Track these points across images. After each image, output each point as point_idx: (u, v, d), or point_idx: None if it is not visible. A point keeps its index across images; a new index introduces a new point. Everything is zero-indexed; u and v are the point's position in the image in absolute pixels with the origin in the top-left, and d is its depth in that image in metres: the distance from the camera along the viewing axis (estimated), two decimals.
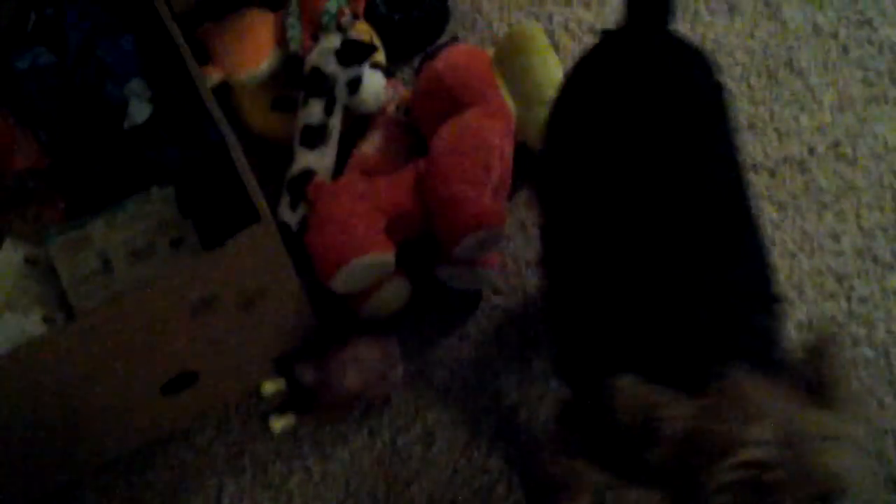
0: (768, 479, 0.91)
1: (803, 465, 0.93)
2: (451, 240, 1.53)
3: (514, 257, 1.68)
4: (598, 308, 1.14)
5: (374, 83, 1.71)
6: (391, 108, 1.75)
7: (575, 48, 1.84)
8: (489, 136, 1.59)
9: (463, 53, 1.70)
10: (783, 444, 0.94)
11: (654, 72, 1.24)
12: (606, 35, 1.31)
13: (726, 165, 1.21)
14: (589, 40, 1.84)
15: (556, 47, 1.83)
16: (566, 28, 1.87)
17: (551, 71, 1.65)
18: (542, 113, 1.55)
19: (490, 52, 1.72)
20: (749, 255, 1.17)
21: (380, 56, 1.79)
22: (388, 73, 1.78)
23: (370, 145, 1.72)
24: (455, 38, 1.80)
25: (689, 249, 1.13)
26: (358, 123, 1.74)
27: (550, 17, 1.89)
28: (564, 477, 1.12)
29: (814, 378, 1.01)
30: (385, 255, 1.54)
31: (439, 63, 1.67)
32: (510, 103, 1.65)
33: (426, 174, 1.58)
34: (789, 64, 1.82)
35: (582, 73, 1.31)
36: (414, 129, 1.73)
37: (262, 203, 1.31)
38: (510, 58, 1.67)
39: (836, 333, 1.03)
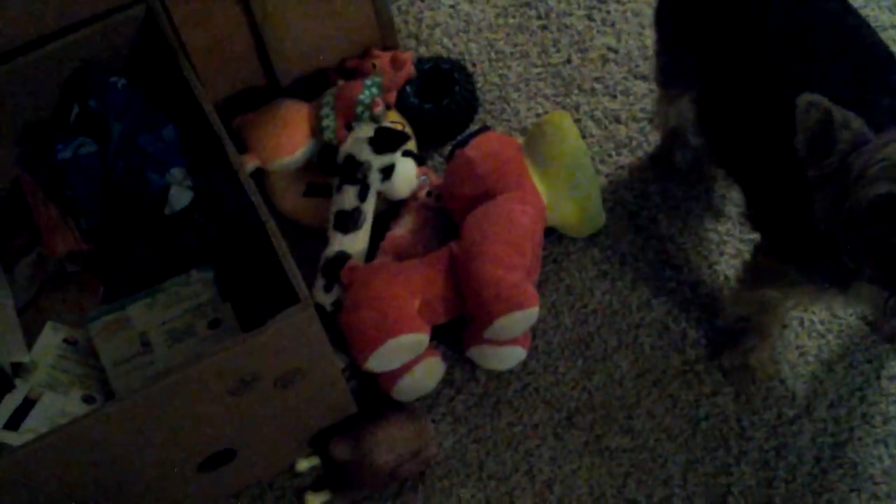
0: None
1: None
2: (484, 321, 1.68)
3: (545, 338, 1.81)
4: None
5: (406, 170, 1.87)
6: (423, 194, 1.91)
7: (601, 136, 2.01)
8: (521, 220, 1.75)
9: (494, 141, 1.87)
10: None
11: None
12: None
13: (843, 7, 1.46)
14: (615, 128, 2.01)
15: (582, 134, 1.99)
16: (592, 117, 2.04)
17: (580, 158, 1.82)
18: (572, 199, 1.73)
19: (519, 139, 1.89)
20: None
21: (411, 144, 1.96)
22: (420, 160, 1.94)
23: (402, 229, 1.88)
24: (485, 127, 1.97)
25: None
26: (391, 208, 1.90)
27: (577, 107, 2.06)
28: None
29: None
30: (418, 336, 1.68)
31: (471, 150, 1.85)
32: (541, 189, 1.81)
33: (459, 257, 1.74)
34: None
35: None
36: (444, 214, 1.89)
37: (301, 285, 1.43)
38: (540, 144, 1.83)
39: None
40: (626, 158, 1.99)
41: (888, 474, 1.64)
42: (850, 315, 1.76)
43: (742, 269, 1.67)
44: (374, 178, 1.80)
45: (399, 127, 1.90)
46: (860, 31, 1.45)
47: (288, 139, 1.86)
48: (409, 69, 1.99)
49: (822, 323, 1.77)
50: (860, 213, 1.21)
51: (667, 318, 1.81)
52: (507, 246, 1.70)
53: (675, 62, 1.67)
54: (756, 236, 1.63)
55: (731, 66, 1.50)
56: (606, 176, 1.97)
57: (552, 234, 1.87)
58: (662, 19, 1.66)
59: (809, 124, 1.23)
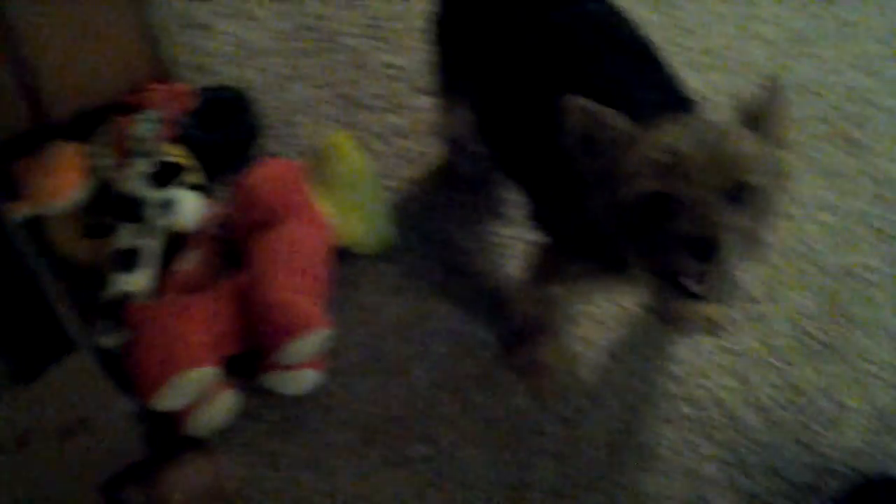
0: (685, 157, 1.20)
1: (718, 150, 1.21)
2: (274, 346, 1.70)
3: (341, 358, 1.87)
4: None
5: (189, 203, 1.88)
6: (208, 226, 1.92)
7: (387, 151, 2.06)
8: (306, 243, 1.79)
9: (275, 167, 1.89)
10: (703, 141, 1.21)
11: None
12: None
13: (611, 10, 1.56)
14: (400, 143, 2.06)
15: (368, 151, 2.05)
16: (377, 134, 2.09)
17: (363, 176, 1.86)
18: (359, 217, 1.78)
19: (303, 163, 1.92)
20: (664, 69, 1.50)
21: (194, 176, 1.97)
22: (206, 191, 1.96)
23: (188, 263, 1.88)
24: (267, 154, 2.00)
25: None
26: (177, 242, 1.91)
27: (361, 125, 2.11)
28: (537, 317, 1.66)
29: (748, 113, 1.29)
30: (206, 370, 1.69)
31: (253, 178, 1.87)
32: (327, 210, 1.85)
33: (246, 285, 1.76)
34: None
35: None
36: (232, 245, 1.91)
37: (76, 331, 1.41)
38: (323, 167, 1.87)
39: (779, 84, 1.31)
40: (412, 172, 2.04)
41: (676, 451, 1.72)
42: (632, 303, 1.82)
43: (526, 268, 1.73)
44: (155, 214, 1.80)
45: (180, 160, 1.90)
46: (622, 29, 1.53)
47: (62, 181, 1.86)
48: (189, 101, 2.01)
49: (607, 314, 1.84)
50: (629, 209, 1.28)
51: (459, 324, 1.86)
52: (293, 270, 1.73)
53: (450, 70, 1.74)
54: (539, 236, 1.68)
55: (500, 71, 1.57)
56: (394, 191, 2.01)
57: (344, 255, 1.90)
58: (435, 27, 1.72)
59: (576, 126, 1.30)
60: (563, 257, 1.55)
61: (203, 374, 1.66)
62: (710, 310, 1.81)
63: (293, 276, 1.72)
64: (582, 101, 1.28)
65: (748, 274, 1.90)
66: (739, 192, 1.24)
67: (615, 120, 1.29)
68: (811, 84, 2.12)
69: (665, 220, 1.23)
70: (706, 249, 1.20)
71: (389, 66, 2.15)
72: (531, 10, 1.54)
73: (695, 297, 1.26)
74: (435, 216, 1.97)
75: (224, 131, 2.01)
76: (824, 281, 1.89)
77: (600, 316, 1.84)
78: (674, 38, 2.19)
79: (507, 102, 1.56)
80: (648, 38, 1.53)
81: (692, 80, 1.98)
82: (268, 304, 1.68)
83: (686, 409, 1.75)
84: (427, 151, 2.03)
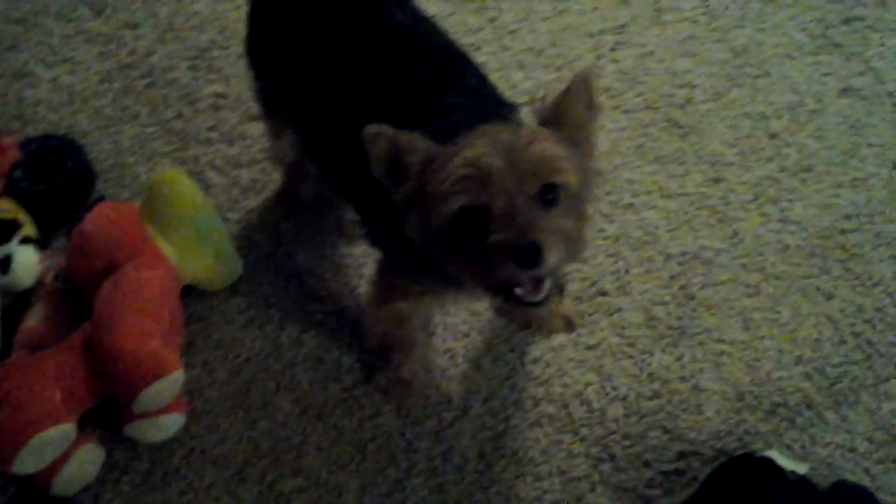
0: (487, 168, 1.21)
1: (520, 155, 1.22)
2: (129, 395, 1.67)
3: (203, 398, 1.84)
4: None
5: (24, 258, 1.83)
6: (49, 279, 1.87)
7: (225, 183, 2.04)
8: (149, 285, 1.75)
9: (108, 211, 1.85)
10: (504, 149, 1.23)
11: None
12: None
13: (418, 20, 1.56)
14: (237, 173, 2.05)
15: (206, 185, 2.02)
16: (213, 166, 2.07)
17: (200, 211, 1.84)
18: (202, 253, 1.77)
19: (137, 204, 1.89)
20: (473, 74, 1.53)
21: (29, 229, 1.92)
22: (42, 244, 1.90)
23: (34, 319, 1.83)
24: (100, 197, 1.96)
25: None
26: (20, 300, 1.86)
27: (196, 159, 2.08)
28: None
29: (554, 111, 1.30)
30: (62, 427, 1.65)
31: (87, 225, 1.83)
32: (166, 249, 1.82)
33: (93, 335, 1.72)
34: None
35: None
36: (77, 295, 1.86)
37: None
38: (157, 205, 1.84)
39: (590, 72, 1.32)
40: (253, 201, 2.02)
41: (546, 453, 1.75)
42: (487, 310, 1.85)
43: (370, 288, 1.74)
44: None
45: (9, 215, 1.85)
46: (432, 38, 1.54)
47: None
48: (13, 153, 1.96)
49: (464, 323, 1.86)
50: (446, 230, 1.29)
51: (319, 350, 1.85)
52: (139, 314, 1.69)
53: (271, 93, 1.72)
54: (376, 254, 1.69)
55: (315, 91, 1.57)
56: (237, 222, 2.00)
57: (192, 292, 1.88)
58: (249, 52, 1.71)
59: (380, 153, 1.30)
60: (401, 275, 1.55)
61: (60, 432, 1.63)
62: (564, 308, 1.84)
63: (139, 321, 1.69)
64: (382, 129, 1.28)
65: (597, 269, 1.93)
66: (550, 195, 1.26)
67: (417, 143, 1.29)
68: (634, 72, 2.18)
69: (482, 234, 1.24)
70: (528, 256, 1.21)
71: (219, 95, 2.13)
72: (337, 28, 1.55)
73: (531, 304, 1.28)
74: (282, 243, 1.96)
75: (53, 180, 1.95)
76: (670, 267, 1.95)
77: (458, 326, 1.85)
78: (498, 41, 2.22)
79: (324, 123, 1.57)
80: (456, 44, 1.56)
81: (519, 80, 2.04)
82: (115, 353, 1.65)
83: (552, 410, 1.79)
84: (266, 179, 2.01)
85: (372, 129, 1.28)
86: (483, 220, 1.24)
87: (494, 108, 1.41)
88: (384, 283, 1.61)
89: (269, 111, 1.77)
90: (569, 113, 1.30)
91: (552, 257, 1.21)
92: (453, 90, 1.45)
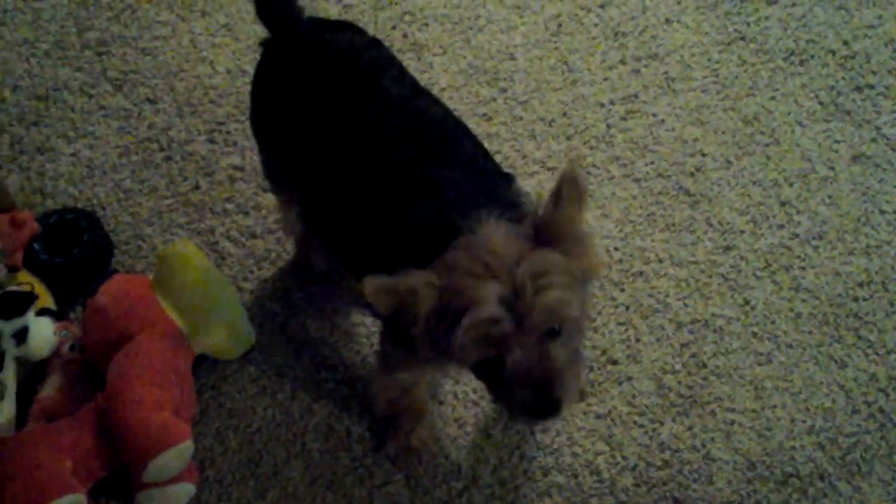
0: (497, 332, 1.23)
1: (528, 309, 1.24)
2: (139, 465, 1.67)
3: (214, 467, 1.85)
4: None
5: (41, 330, 1.85)
6: (65, 349, 1.89)
7: (240, 254, 2.05)
8: (160, 356, 1.76)
9: (122, 282, 1.87)
10: (509, 297, 1.23)
11: (318, 51, 1.60)
12: (266, 43, 1.68)
13: (416, 91, 1.59)
14: (252, 244, 2.06)
15: (221, 256, 2.03)
16: (228, 237, 2.09)
17: (212, 281, 1.85)
18: (215, 323, 1.78)
19: (150, 276, 1.90)
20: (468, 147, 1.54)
21: (47, 301, 1.94)
22: (59, 315, 1.92)
23: (50, 389, 1.85)
24: (114, 271, 1.98)
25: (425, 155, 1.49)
26: (37, 370, 1.87)
27: (212, 230, 2.10)
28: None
29: (547, 220, 1.29)
30: (72, 498, 1.65)
31: (101, 297, 1.84)
32: (178, 320, 1.83)
33: (104, 407, 1.73)
34: None
35: (267, 75, 1.69)
36: (93, 366, 1.87)
37: None
38: (169, 277, 1.86)
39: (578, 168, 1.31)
40: (268, 271, 2.03)
41: None
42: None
43: (375, 357, 1.74)
44: (8, 345, 1.76)
45: (27, 287, 1.87)
46: (429, 111, 1.56)
47: None
48: (32, 227, 1.98)
49: (474, 392, 1.85)
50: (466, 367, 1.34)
51: (330, 419, 1.85)
52: (149, 386, 1.70)
53: (276, 166, 1.74)
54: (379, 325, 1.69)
55: (312, 162, 1.60)
56: (251, 292, 2.00)
57: (206, 361, 1.88)
58: (256, 124, 1.74)
59: (385, 306, 1.31)
60: (401, 346, 1.54)
61: (71, 502, 1.62)
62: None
63: (149, 392, 1.70)
64: (382, 283, 1.28)
65: (608, 337, 1.91)
66: (556, 328, 1.29)
67: (415, 282, 1.29)
68: (645, 140, 2.18)
69: (501, 378, 1.29)
70: (547, 413, 1.30)
71: (235, 167, 2.15)
72: (335, 102, 1.58)
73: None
74: (295, 313, 1.96)
75: (71, 253, 1.97)
76: (681, 335, 1.93)
77: (468, 394, 1.84)
78: (510, 111, 2.24)
79: (322, 196, 1.60)
80: (453, 117, 1.59)
81: (531, 150, 2.05)
82: (124, 423, 1.67)
83: (561, 480, 1.78)
84: (280, 249, 2.02)
85: (372, 283, 1.27)
86: (499, 362, 1.29)
87: (489, 183, 1.44)
88: (386, 352, 1.61)
89: (276, 183, 1.79)
90: (561, 219, 1.29)
91: (567, 405, 1.29)
92: (447, 164, 1.47)
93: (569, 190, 1.27)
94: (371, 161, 1.49)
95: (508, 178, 1.47)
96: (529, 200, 1.37)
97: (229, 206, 2.10)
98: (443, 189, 1.41)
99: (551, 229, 1.29)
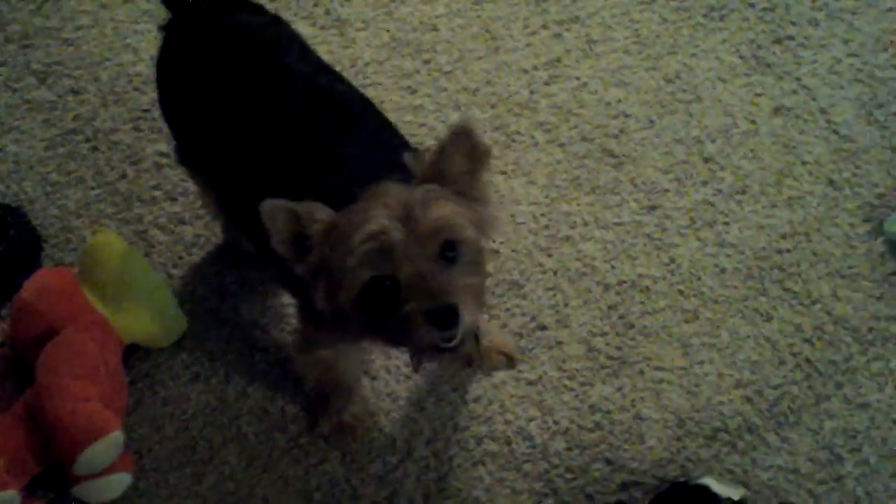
0: (389, 240, 1.21)
1: (418, 222, 1.23)
2: (69, 458, 1.65)
3: (151, 455, 1.83)
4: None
5: None
6: None
7: (169, 241, 2.01)
8: (86, 348, 1.73)
9: (45, 276, 1.84)
10: (402, 218, 1.23)
11: (217, 32, 1.59)
12: (167, 26, 1.66)
13: (318, 68, 1.57)
14: (181, 230, 2.02)
15: (150, 244, 2.00)
16: (157, 224, 2.05)
17: (137, 270, 1.82)
18: (143, 311, 1.78)
19: (74, 268, 1.87)
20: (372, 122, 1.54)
21: None
22: None
23: None
24: (50, 264, 1.95)
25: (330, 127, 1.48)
26: None
27: (140, 219, 2.06)
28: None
29: (439, 164, 1.30)
30: (5, 494, 1.63)
31: (25, 292, 1.81)
32: (104, 311, 1.79)
33: (33, 401, 1.70)
34: None
35: (168, 59, 1.67)
36: (24, 361, 1.84)
37: None
38: (94, 269, 1.82)
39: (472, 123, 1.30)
40: (197, 257, 2.00)
41: (490, 491, 1.72)
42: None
43: (293, 336, 1.71)
44: None
45: None
46: (332, 87, 1.53)
47: None
48: None
49: (406, 365, 1.83)
50: (354, 300, 1.29)
51: (264, 401, 1.83)
52: (76, 378, 1.68)
53: (188, 151, 1.70)
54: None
55: (218, 143, 1.57)
56: (182, 278, 1.98)
57: (138, 350, 1.85)
58: (164, 111, 1.70)
59: (279, 228, 1.28)
60: (317, 326, 1.52)
61: (4, 498, 1.60)
62: (502, 343, 1.81)
63: (76, 385, 1.69)
64: (279, 204, 1.27)
65: (536, 303, 1.89)
66: (451, 252, 1.27)
67: (316, 213, 1.29)
68: (569, 104, 2.16)
69: (394, 302, 1.25)
70: (446, 318, 1.24)
71: (161, 154, 2.12)
72: (235, 81, 1.55)
73: (448, 351, 1.26)
74: (227, 296, 1.95)
75: None
76: (609, 297, 1.92)
77: (400, 368, 1.82)
78: (434, 82, 2.21)
79: (230, 177, 1.58)
80: (358, 92, 1.59)
81: (456, 120, 2.00)
82: (52, 417, 1.65)
83: (494, 447, 1.76)
84: (209, 234, 1.99)
85: (268, 204, 1.26)
86: (392, 288, 1.25)
87: (390, 156, 1.40)
88: (303, 331, 1.58)
89: (191, 168, 1.75)
90: (449, 167, 1.29)
91: (467, 315, 1.23)
92: (350, 140, 1.44)
93: (456, 141, 1.28)
94: (274, 141, 1.48)
95: (414, 151, 1.43)
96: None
97: (157, 193, 2.08)
98: (344, 165, 1.40)
99: (441, 174, 1.29)
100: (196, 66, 1.58)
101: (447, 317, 1.23)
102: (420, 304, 1.23)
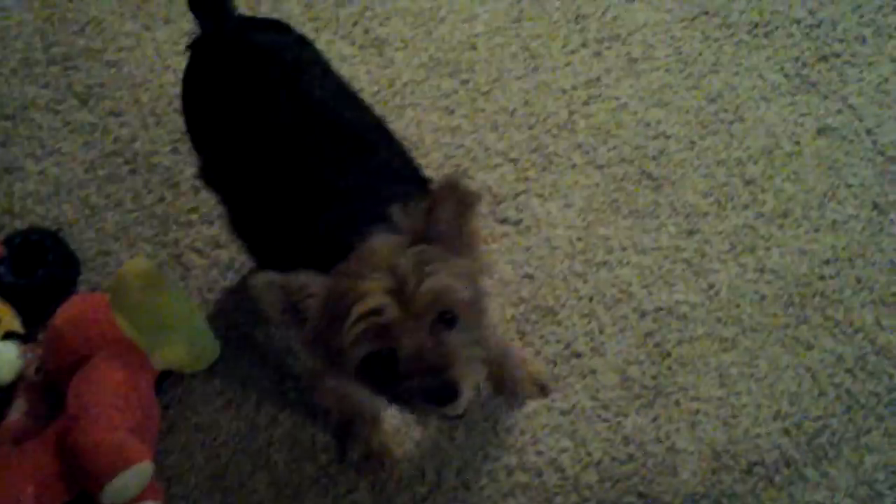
0: (384, 320, 1.17)
1: (413, 297, 1.19)
2: (97, 487, 1.63)
3: (181, 482, 1.82)
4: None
5: (6, 354, 1.80)
6: (31, 372, 1.84)
7: (205, 265, 1.99)
8: (115, 376, 1.72)
9: (78, 304, 1.83)
10: (393, 286, 1.19)
11: (240, 51, 1.57)
12: (194, 45, 1.64)
13: (337, 93, 1.54)
14: (217, 254, 2.00)
15: (186, 267, 1.98)
16: (193, 248, 2.03)
17: (169, 297, 1.80)
18: (175, 339, 1.75)
19: (107, 295, 1.85)
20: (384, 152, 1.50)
21: (11, 324, 1.89)
22: (25, 338, 1.88)
23: (16, 413, 1.81)
24: (88, 287, 1.94)
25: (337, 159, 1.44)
26: (4, 394, 1.83)
27: (177, 242, 2.04)
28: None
29: (428, 222, 1.24)
30: None
31: (57, 319, 1.80)
32: (136, 337, 1.77)
33: (63, 429, 1.68)
34: None
35: (193, 76, 1.65)
36: (58, 387, 1.83)
37: None
38: (124, 296, 1.80)
39: (461, 176, 1.26)
40: (232, 281, 1.97)
41: None
42: None
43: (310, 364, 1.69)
44: None
45: None
46: (344, 116, 1.53)
47: None
48: None
49: None
50: (355, 373, 1.27)
51: (295, 429, 1.81)
52: (106, 407, 1.67)
53: (207, 168, 1.72)
54: None
55: (232, 166, 1.56)
56: (217, 303, 1.95)
57: (171, 375, 1.83)
58: (188, 127, 1.71)
59: (273, 303, 1.25)
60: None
61: None
62: (536, 371, 1.76)
63: (105, 413, 1.67)
64: (271, 279, 1.23)
65: (571, 330, 1.84)
66: (448, 315, 1.23)
67: (310, 286, 1.24)
68: (608, 125, 2.10)
69: (394, 372, 1.23)
70: (445, 397, 1.21)
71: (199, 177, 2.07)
72: (254, 104, 1.53)
73: (452, 419, 1.30)
74: (259, 322, 1.91)
75: (37, 273, 1.92)
76: (645, 324, 1.86)
77: None
78: (472, 103, 2.17)
79: (239, 202, 1.58)
80: (374, 117, 1.56)
81: (493, 141, 1.97)
82: (80, 446, 1.64)
83: (525, 479, 1.72)
84: (244, 257, 1.96)
85: (261, 279, 1.23)
86: (391, 358, 1.22)
87: (396, 190, 1.37)
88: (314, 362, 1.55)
89: (210, 183, 1.73)
90: (438, 224, 1.25)
91: (467, 389, 1.21)
92: (357, 169, 1.43)
93: (444, 197, 1.23)
94: (281, 167, 1.46)
95: (423, 184, 1.42)
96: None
97: (193, 216, 2.06)
98: (347, 199, 1.38)
99: (431, 232, 1.25)
100: (216, 85, 1.57)
101: (447, 395, 1.21)
102: (420, 381, 1.21)
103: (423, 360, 1.20)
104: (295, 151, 1.45)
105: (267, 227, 1.45)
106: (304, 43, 1.60)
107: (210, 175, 1.70)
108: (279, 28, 1.63)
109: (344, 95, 1.54)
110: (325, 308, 1.23)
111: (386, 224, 1.27)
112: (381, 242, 1.25)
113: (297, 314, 1.25)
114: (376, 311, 1.18)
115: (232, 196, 1.61)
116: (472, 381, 1.22)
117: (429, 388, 1.20)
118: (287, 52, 1.56)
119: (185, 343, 1.80)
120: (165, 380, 1.83)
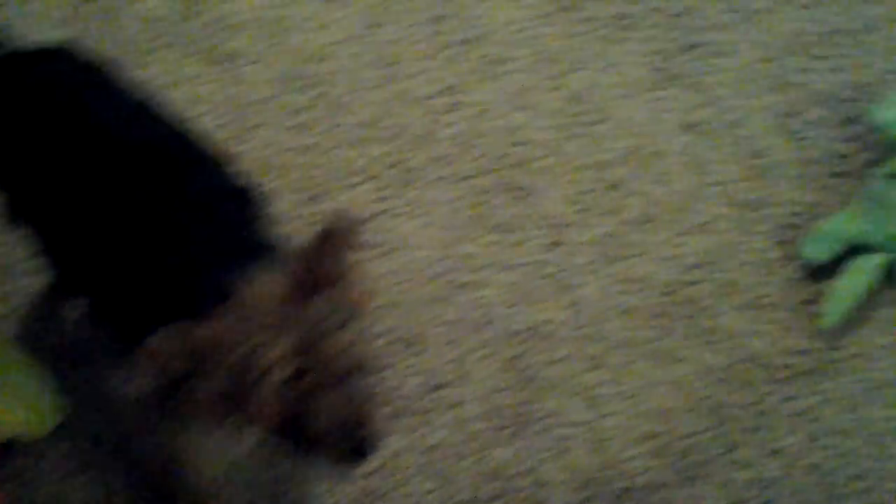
0: (304, 386, 1.12)
1: (323, 360, 1.13)
2: None
3: None
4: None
5: None
6: None
7: (42, 314, 1.86)
8: None
9: None
10: (304, 349, 1.13)
11: (17, 88, 1.44)
12: None
13: (127, 118, 1.41)
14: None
15: (23, 322, 1.85)
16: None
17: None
18: (11, 401, 1.68)
19: None
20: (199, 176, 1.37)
21: None
22: None
23: None
24: None
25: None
26: None
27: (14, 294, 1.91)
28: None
29: (314, 267, 1.18)
30: None
31: None
32: None
33: None
34: None
35: None
36: None
37: None
38: None
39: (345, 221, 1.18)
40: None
41: None
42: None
43: None
44: None
45: None
46: (148, 137, 1.40)
47: None
48: None
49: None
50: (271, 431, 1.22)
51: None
52: None
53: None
54: None
55: (40, 213, 1.45)
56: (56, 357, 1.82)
57: (11, 447, 1.70)
58: None
59: (176, 362, 1.15)
60: None
61: None
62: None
63: None
64: (169, 337, 1.12)
65: (435, 360, 1.75)
66: (348, 366, 1.17)
67: (213, 333, 1.14)
68: (468, 135, 2.00)
69: (310, 432, 1.17)
70: (363, 455, 1.19)
71: None
72: (39, 142, 1.41)
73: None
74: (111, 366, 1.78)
75: None
76: (510, 347, 1.77)
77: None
78: (330, 118, 2.04)
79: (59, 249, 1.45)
80: (174, 138, 1.41)
81: (353, 158, 1.86)
82: None
83: None
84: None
85: (161, 341, 1.12)
86: (304, 419, 1.17)
87: (226, 218, 1.34)
88: None
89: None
90: (320, 266, 1.18)
91: (379, 432, 1.19)
92: (177, 195, 1.33)
93: (331, 235, 1.18)
94: (87, 208, 1.35)
95: (246, 204, 1.37)
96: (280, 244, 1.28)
97: (30, 265, 1.90)
98: (182, 233, 1.30)
99: (316, 273, 1.18)
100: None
101: (365, 451, 1.18)
102: (336, 447, 1.18)
103: (340, 420, 1.16)
104: (97, 190, 1.35)
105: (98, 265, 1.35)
106: (90, 69, 1.48)
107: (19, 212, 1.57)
108: (61, 56, 1.50)
109: (146, 116, 1.43)
110: (216, 364, 1.14)
111: (260, 263, 1.21)
112: (261, 288, 1.17)
113: (199, 371, 1.15)
114: (292, 377, 1.13)
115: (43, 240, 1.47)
116: (376, 425, 1.19)
117: (351, 448, 1.18)
118: (70, 82, 1.44)
119: (25, 404, 1.69)
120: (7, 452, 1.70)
